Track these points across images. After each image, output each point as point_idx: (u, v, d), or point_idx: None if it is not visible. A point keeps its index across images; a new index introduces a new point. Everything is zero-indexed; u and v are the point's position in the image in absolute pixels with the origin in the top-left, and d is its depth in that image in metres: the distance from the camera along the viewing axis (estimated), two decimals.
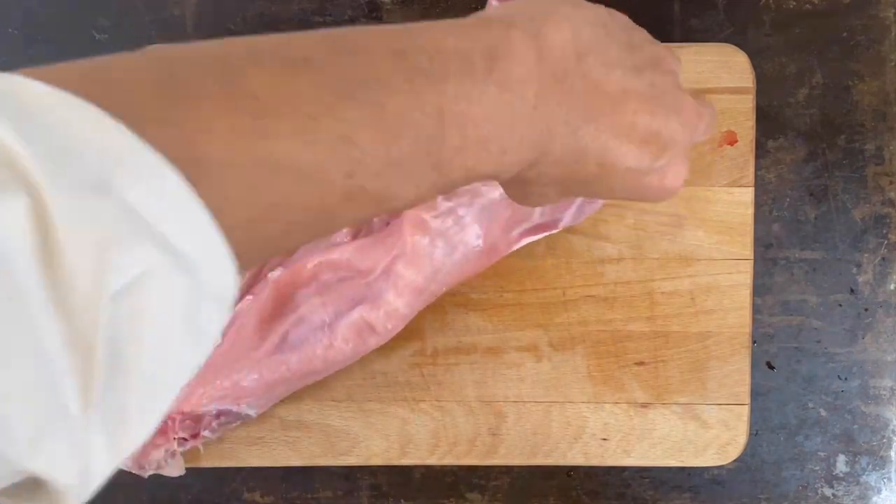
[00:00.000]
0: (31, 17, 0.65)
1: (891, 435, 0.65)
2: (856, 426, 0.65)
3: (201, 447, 0.58)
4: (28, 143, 0.24)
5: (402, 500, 0.65)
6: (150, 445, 0.55)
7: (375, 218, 0.55)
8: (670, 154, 0.39)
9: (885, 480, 0.65)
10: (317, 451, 0.59)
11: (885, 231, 0.65)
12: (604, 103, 0.37)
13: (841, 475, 0.65)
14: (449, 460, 0.59)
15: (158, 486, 0.63)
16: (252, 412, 0.56)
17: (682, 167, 0.41)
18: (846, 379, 0.65)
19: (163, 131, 0.26)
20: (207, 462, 0.61)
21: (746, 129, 0.58)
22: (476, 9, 0.64)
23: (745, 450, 0.60)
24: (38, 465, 0.23)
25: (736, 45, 0.58)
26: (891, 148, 0.65)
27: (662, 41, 0.62)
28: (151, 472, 0.57)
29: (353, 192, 0.31)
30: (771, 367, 0.65)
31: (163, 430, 0.56)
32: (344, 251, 0.54)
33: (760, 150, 0.64)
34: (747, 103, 0.58)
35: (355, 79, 0.31)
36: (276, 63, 0.30)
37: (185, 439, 0.56)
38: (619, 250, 0.59)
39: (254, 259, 0.31)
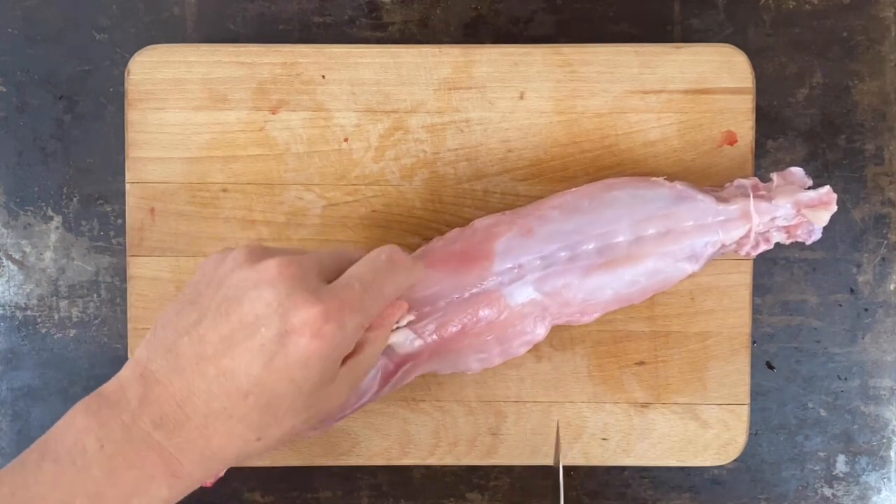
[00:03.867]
0: (31, 17, 0.65)
1: (890, 435, 0.65)
2: (855, 426, 0.65)
3: None
4: None
5: (402, 500, 0.65)
6: None
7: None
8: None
9: (884, 480, 0.65)
10: (317, 451, 0.59)
11: (884, 231, 0.65)
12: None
13: (841, 475, 0.65)
14: (449, 460, 0.59)
15: None
16: None
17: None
18: (846, 379, 0.65)
19: None
20: None
21: (746, 129, 0.58)
22: (476, 9, 0.65)
23: (745, 450, 0.60)
24: None
25: (736, 45, 0.58)
26: (891, 148, 0.65)
27: (662, 41, 0.62)
28: None
29: None
30: (771, 367, 0.65)
31: None
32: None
33: (760, 150, 0.64)
34: (747, 103, 0.58)
35: None
36: None
37: None
38: None
39: None
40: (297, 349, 0.41)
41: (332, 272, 0.45)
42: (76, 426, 0.41)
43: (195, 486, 0.44)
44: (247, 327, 0.41)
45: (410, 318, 0.51)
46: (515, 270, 0.53)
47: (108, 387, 0.43)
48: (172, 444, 0.42)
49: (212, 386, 0.41)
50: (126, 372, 0.43)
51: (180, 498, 0.43)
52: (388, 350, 0.52)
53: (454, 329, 0.52)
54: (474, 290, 0.53)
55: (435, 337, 0.52)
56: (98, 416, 0.42)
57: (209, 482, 0.54)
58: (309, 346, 0.41)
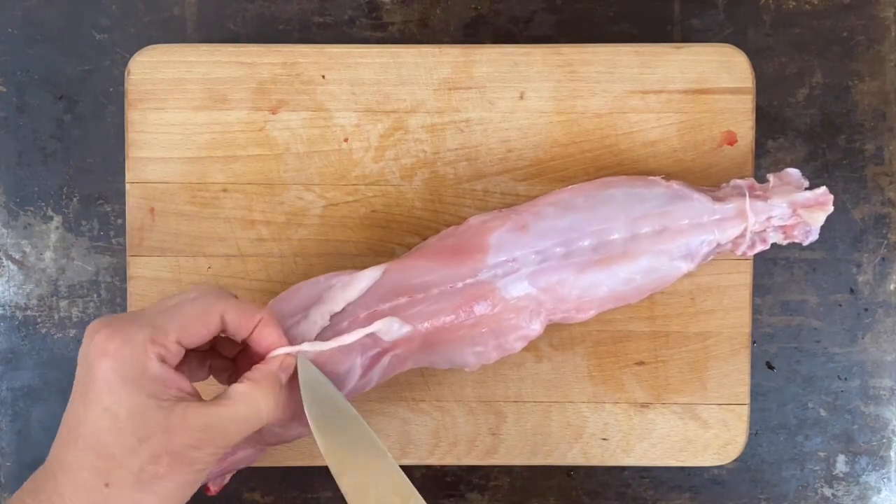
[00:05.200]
0: (31, 17, 0.65)
1: (890, 435, 0.65)
2: (856, 426, 0.65)
3: None
4: None
5: None
6: None
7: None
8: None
9: (884, 480, 0.65)
10: (317, 451, 0.59)
11: (884, 231, 0.65)
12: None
13: (841, 475, 0.65)
14: (449, 460, 0.59)
15: None
16: None
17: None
18: (846, 379, 0.65)
19: None
20: None
21: (746, 129, 0.58)
22: (476, 9, 0.65)
23: (745, 450, 0.60)
24: None
25: (736, 45, 0.58)
26: (891, 148, 0.65)
27: (662, 41, 0.62)
28: None
29: None
30: (771, 367, 0.65)
31: None
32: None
33: (760, 150, 0.64)
34: (747, 103, 0.58)
35: None
36: None
37: None
38: None
39: None
40: (96, 374, 0.43)
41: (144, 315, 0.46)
42: None
43: None
44: (75, 385, 0.44)
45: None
46: (510, 264, 0.53)
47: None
48: None
49: (61, 444, 0.44)
50: None
51: None
52: (374, 337, 0.52)
53: (447, 318, 0.52)
54: (468, 281, 0.53)
55: (427, 325, 0.52)
56: None
57: (214, 489, 0.54)
58: (102, 367, 0.42)
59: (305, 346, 0.49)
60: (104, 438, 0.42)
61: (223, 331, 0.46)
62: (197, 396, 0.45)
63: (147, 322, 0.44)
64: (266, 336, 0.47)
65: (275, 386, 0.46)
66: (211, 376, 0.51)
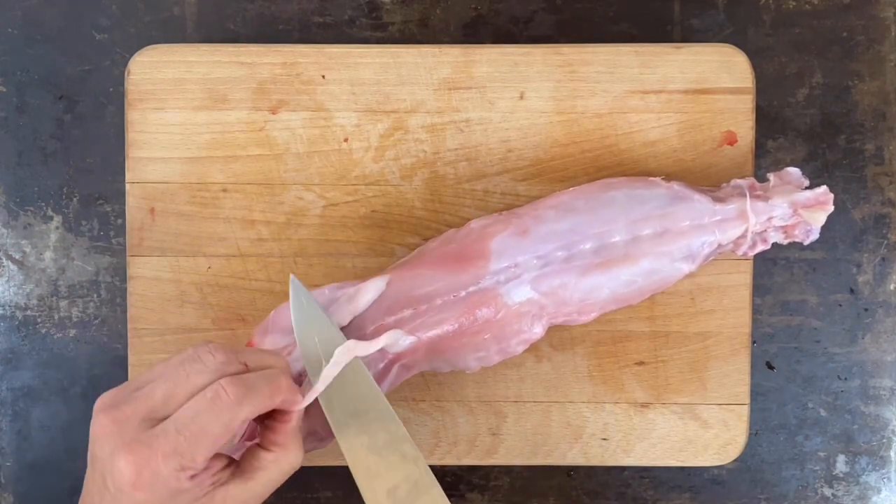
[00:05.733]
0: (31, 17, 0.65)
1: (890, 435, 0.65)
2: (856, 426, 0.65)
3: None
4: None
5: None
6: None
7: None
8: None
9: (884, 480, 0.65)
10: (316, 451, 0.59)
11: (884, 231, 0.65)
12: None
13: (841, 475, 0.65)
14: (449, 460, 0.59)
15: None
16: None
17: None
18: (846, 379, 0.65)
19: None
20: None
21: (746, 129, 0.58)
22: (476, 9, 0.65)
23: (745, 450, 0.60)
24: None
25: (736, 45, 0.58)
26: (891, 148, 0.65)
27: (662, 41, 0.62)
28: None
29: None
30: (771, 367, 0.65)
31: None
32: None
33: (760, 150, 0.64)
34: (747, 103, 0.58)
35: None
36: None
37: None
38: None
39: None
40: (129, 500, 0.43)
41: (160, 414, 0.44)
42: None
43: None
44: (99, 488, 0.44)
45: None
46: (512, 269, 0.53)
47: None
48: None
49: None
50: None
51: None
52: (382, 350, 0.52)
53: (451, 327, 0.52)
54: (471, 289, 0.53)
55: (431, 334, 0.52)
56: None
57: None
58: (134, 497, 0.43)
59: (319, 387, 0.48)
60: None
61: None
62: (229, 464, 0.47)
63: (172, 451, 0.43)
64: (288, 405, 0.47)
65: (297, 439, 0.47)
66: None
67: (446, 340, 0.53)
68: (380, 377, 0.53)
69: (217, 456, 0.45)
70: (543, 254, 0.53)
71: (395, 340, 0.51)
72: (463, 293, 0.53)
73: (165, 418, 0.44)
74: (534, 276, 0.53)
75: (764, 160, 0.64)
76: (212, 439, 0.43)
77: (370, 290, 0.53)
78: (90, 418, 0.44)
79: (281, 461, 0.47)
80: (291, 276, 0.51)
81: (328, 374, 0.48)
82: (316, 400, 0.49)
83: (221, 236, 0.59)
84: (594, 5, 0.65)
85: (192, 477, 0.43)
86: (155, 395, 0.44)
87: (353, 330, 0.52)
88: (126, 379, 0.59)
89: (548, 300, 0.53)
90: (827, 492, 0.65)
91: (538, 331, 0.54)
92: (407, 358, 0.53)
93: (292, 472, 0.47)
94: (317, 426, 0.52)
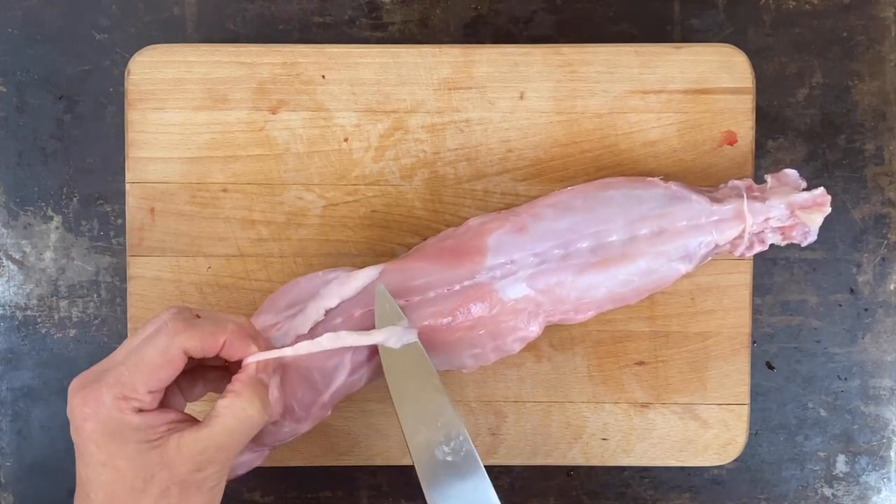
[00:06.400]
0: (31, 17, 0.65)
1: (890, 435, 0.65)
2: (856, 426, 0.65)
3: None
4: None
5: (402, 500, 0.65)
6: None
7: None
8: None
9: (884, 480, 0.65)
10: (317, 451, 0.59)
11: (884, 231, 0.65)
12: None
13: (841, 475, 0.65)
14: None
15: None
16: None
17: None
18: (846, 379, 0.65)
19: None
20: None
21: (746, 129, 0.58)
22: (476, 9, 0.65)
23: (745, 450, 0.60)
24: None
25: (736, 45, 0.58)
26: (891, 148, 0.65)
27: (662, 41, 0.62)
28: None
29: None
30: (771, 367, 0.65)
31: None
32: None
33: (760, 150, 0.64)
34: (747, 103, 0.58)
35: None
36: None
37: None
38: None
39: None
40: (84, 436, 0.45)
41: (114, 364, 0.46)
42: None
43: None
44: (74, 441, 0.46)
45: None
46: (508, 266, 0.53)
47: None
48: None
49: (77, 500, 0.46)
50: None
51: None
52: (363, 332, 0.52)
53: (444, 320, 0.52)
54: (466, 283, 0.53)
55: (423, 325, 0.52)
56: None
57: None
58: (86, 429, 0.45)
59: (287, 351, 0.50)
60: (111, 489, 0.44)
61: (191, 358, 0.47)
62: (189, 419, 0.47)
63: (114, 380, 0.45)
64: (237, 350, 0.48)
65: (258, 389, 0.47)
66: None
67: (440, 334, 0.53)
68: (360, 363, 0.52)
69: (173, 409, 0.47)
70: (540, 251, 0.53)
71: (392, 336, 0.51)
72: (457, 287, 0.53)
73: None
74: (530, 274, 0.53)
75: (764, 160, 0.64)
76: (150, 367, 0.45)
77: (362, 277, 0.53)
78: None
79: (235, 408, 0.46)
80: (380, 287, 0.52)
81: (300, 347, 0.50)
82: (299, 379, 0.49)
83: (221, 236, 0.59)
84: (594, 5, 0.65)
85: (139, 411, 0.44)
86: (116, 352, 0.47)
87: (339, 312, 0.52)
88: None
89: (544, 298, 0.53)
90: (827, 492, 0.65)
91: (534, 329, 0.54)
92: None
93: (251, 427, 0.47)
94: (294, 404, 0.52)
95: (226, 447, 0.46)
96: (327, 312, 0.53)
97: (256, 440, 0.51)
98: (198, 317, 0.47)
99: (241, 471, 0.54)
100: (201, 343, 0.46)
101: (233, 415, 0.46)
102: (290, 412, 0.52)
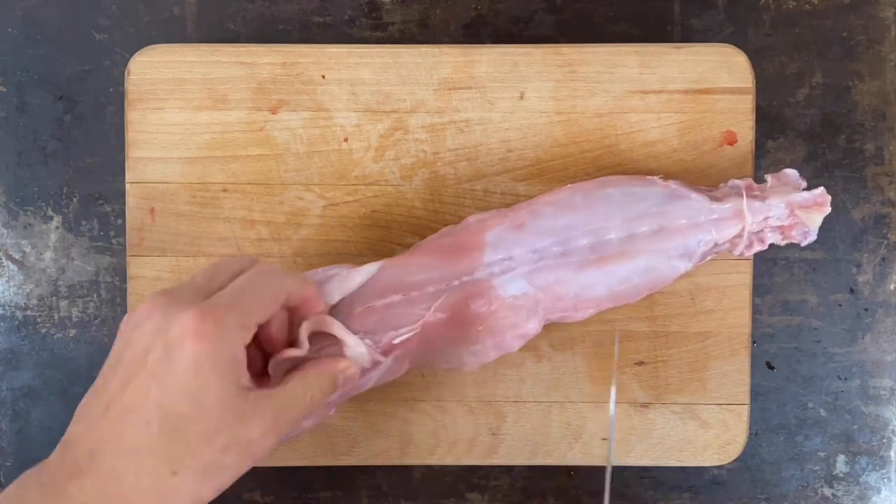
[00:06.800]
0: (31, 17, 0.65)
1: (890, 435, 0.65)
2: (855, 426, 0.65)
3: None
4: None
5: (402, 500, 0.65)
6: None
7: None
8: None
9: (884, 480, 0.65)
10: (317, 451, 0.59)
11: (884, 231, 0.65)
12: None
13: (841, 475, 0.65)
14: (449, 460, 0.59)
15: None
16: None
17: None
18: (846, 379, 0.65)
19: None
20: None
21: (746, 129, 0.58)
22: (476, 9, 0.65)
23: (745, 450, 0.60)
24: None
25: (736, 45, 0.58)
26: (891, 148, 0.65)
27: (662, 41, 0.62)
28: None
29: None
30: (771, 367, 0.65)
31: None
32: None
33: (760, 150, 0.64)
34: (747, 103, 0.58)
35: None
36: None
37: None
38: None
39: None
40: (183, 357, 0.40)
41: (210, 290, 0.44)
42: (5, 493, 0.42)
43: None
44: (138, 362, 0.41)
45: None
46: (507, 262, 0.53)
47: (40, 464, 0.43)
48: (85, 493, 0.40)
49: (117, 426, 0.41)
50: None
51: None
52: (373, 338, 0.52)
53: (442, 316, 0.52)
54: (465, 279, 0.53)
55: (423, 321, 0.52)
56: (22, 481, 0.42)
57: None
58: (193, 349, 0.40)
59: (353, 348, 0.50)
60: (183, 425, 0.40)
61: None
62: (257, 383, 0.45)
63: (235, 306, 0.42)
64: (310, 307, 0.48)
65: (325, 380, 0.47)
66: None
67: (439, 330, 0.53)
68: (369, 367, 0.53)
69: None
70: (539, 248, 0.53)
71: (357, 349, 0.50)
72: (456, 282, 0.53)
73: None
74: (529, 270, 0.53)
75: (764, 160, 0.64)
76: (264, 303, 0.43)
77: (361, 274, 0.53)
78: None
79: (306, 381, 0.45)
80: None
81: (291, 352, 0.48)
82: None
83: (221, 236, 0.59)
84: (594, 5, 0.65)
85: (244, 346, 0.42)
86: (197, 280, 0.44)
87: (341, 309, 0.52)
88: None
89: (543, 295, 0.53)
90: (827, 492, 0.65)
91: (533, 326, 0.54)
92: (399, 349, 0.53)
93: (300, 410, 0.45)
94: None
95: (290, 419, 0.44)
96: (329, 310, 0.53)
97: None
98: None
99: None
100: (301, 290, 0.46)
101: (305, 386, 0.45)
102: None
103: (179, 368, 0.40)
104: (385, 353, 0.52)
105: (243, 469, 0.43)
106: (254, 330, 0.43)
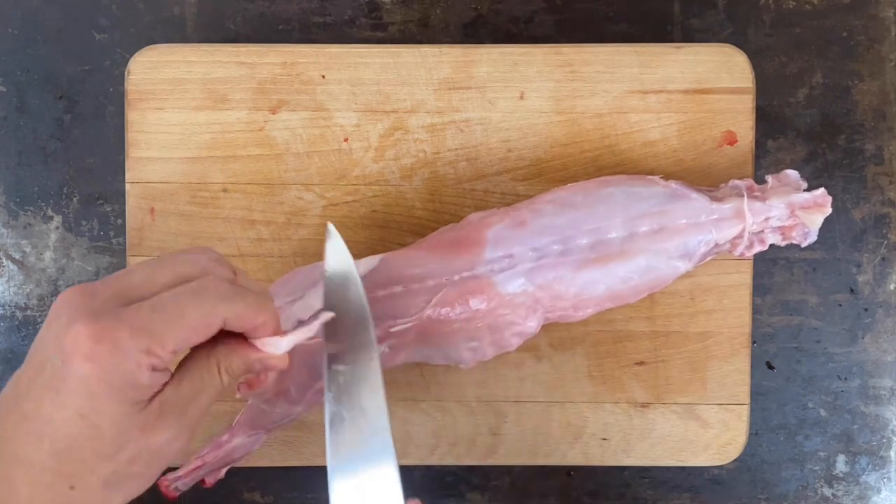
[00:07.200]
0: (31, 17, 0.65)
1: (890, 435, 0.65)
2: (855, 426, 0.65)
3: None
4: None
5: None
6: None
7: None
8: None
9: (884, 480, 0.65)
10: (317, 451, 0.59)
11: (884, 231, 0.65)
12: None
13: (841, 475, 0.65)
14: (449, 460, 0.59)
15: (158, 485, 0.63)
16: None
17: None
18: (846, 379, 0.65)
19: None
20: None
21: (746, 129, 0.58)
22: (476, 9, 0.65)
23: (745, 450, 0.60)
24: None
25: (736, 45, 0.58)
26: (891, 148, 0.65)
27: (662, 41, 0.62)
28: None
29: None
30: (771, 367, 0.65)
31: None
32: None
33: (760, 150, 0.64)
34: (747, 103, 0.58)
35: None
36: None
37: None
38: None
39: None
40: (75, 377, 0.37)
41: (135, 295, 0.39)
42: None
43: None
44: (38, 368, 0.38)
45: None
46: (507, 259, 0.53)
47: None
48: None
49: (15, 432, 0.38)
50: None
51: None
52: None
53: (442, 310, 0.52)
54: (465, 275, 0.53)
55: (422, 314, 0.52)
56: None
57: (210, 482, 0.55)
58: (83, 371, 0.37)
59: (280, 342, 0.44)
60: (77, 445, 0.38)
61: None
62: (169, 374, 0.41)
63: (142, 328, 0.37)
64: (262, 331, 0.43)
65: (235, 364, 0.42)
66: None
67: (437, 324, 0.53)
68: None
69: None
70: (539, 246, 0.53)
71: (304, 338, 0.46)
72: (456, 277, 0.53)
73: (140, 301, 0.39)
74: (529, 268, 0.53)
75: (764, 160, 0.64)
76: (187, 327, 0.38)
77: (361, 266, 0.53)
78: None
79: (209, 371, 0.41)
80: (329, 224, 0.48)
81: (296, 336, 0.44)
82: (299, 363, 0.47)
83: (221, 236, 0.59)
84: (594, 5, 0.65)
85: (153, 370, 0.38)
86: (132, 277, 0.39)
87: None
88: None
89: (542, 293, 0.53)
90: (827, 492, 0.65)
91: (532, 324, 0.54)
92: (394, 339, 0.53)
93: (207, 399, 0.41)
94: (291, 387, 0.51)
95: (196, 402, 0.41)
96: None
97: (250, 422, 0.51)
98: (235, 276, 0.42)
99: (236, 456, 0.54)
100: (243, 319, 0.40)
101: (200, 376, 0.41)
102: (286, 394, 0.52)
103: (71, 387, 0.37)
104: (380, 340, 0.52)
105: (157, 473, 0.41)
106: (166, 357, 0.38)
